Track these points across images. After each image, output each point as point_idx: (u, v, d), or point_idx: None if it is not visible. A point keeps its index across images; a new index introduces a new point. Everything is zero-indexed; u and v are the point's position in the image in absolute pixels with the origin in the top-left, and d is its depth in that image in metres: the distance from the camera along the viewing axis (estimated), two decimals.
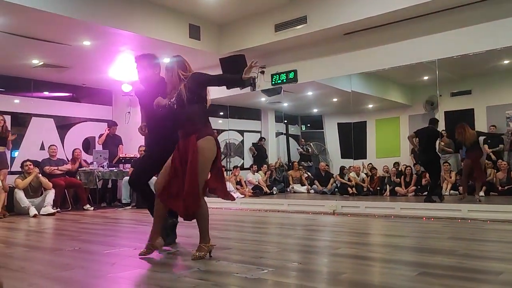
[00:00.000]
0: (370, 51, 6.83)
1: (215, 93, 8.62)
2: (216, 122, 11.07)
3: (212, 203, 8.12)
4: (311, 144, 11.61)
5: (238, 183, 9.37)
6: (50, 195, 7.29)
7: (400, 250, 3.54)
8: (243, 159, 11.13)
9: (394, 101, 9.83)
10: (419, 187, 8.37)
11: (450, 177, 8.18)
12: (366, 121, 10.42)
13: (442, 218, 5.56)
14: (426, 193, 7.22)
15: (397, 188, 8.68)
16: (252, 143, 11.26)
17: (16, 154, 8.46)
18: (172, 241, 3.79)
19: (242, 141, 11.21)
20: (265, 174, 10.15)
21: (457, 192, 7.85)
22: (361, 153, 10.09)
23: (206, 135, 3.13)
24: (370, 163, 9.78)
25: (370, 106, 10.53)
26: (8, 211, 6.95)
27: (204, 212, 3.22)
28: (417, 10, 6.01)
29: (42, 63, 7.79)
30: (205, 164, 3.11)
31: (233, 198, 3.52)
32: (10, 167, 7.98)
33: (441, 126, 8.53)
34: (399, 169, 9.06)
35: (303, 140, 11.75)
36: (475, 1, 5.80)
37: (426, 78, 8.55)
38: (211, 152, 3.13)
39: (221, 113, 10.82)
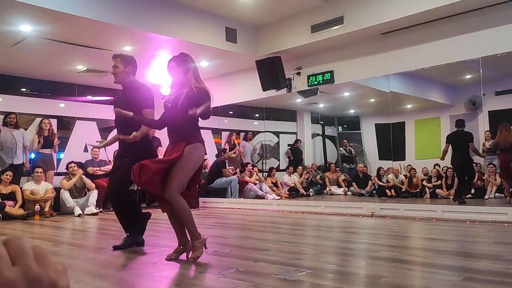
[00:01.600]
0: (409, 50, 6.68)
1: (251, 94, 8.72)
2: (252, 124, 11.14)
3: (248, 204, 8.21)
4: (353, 145, 11.44)
5: (274, 184, 9.39)
6: (93, 195, 7.57)
7: (442, 254, 3.44)
8: (278, 160, 11.13)
9: (434, 101, 9.55)
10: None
11: (495, 180, 7.86)
12: (404, 122, 10.17)
13: (488, 222, 5.35)
14: (469, 196, 7.00)
15: (438, 191, 8.43)
16: (288, 145, 11.24)
17: (61, 156, 8.83)
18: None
19: (278, 143, 11.21)
20: (300, 176, 10.11)
21: (502, 195, 7.54)
22: (399, 155, 9.85)
23: (196, 142, 3.24)
24: (409, 165, 9.54)
25: (409, 106, 10.28)
26: (54, 211, 7.26)
27: (185, 207, 3.21)
28: (458, 7, 5.82)
29: (86, 68, 8.10)
30: (191, 167, 3.22)
31: (193, 207, 3.65)
32: (56, 169, 8.35)
33: (486, 126, 8.22)
34: (441, 171, 8.80)
35: (345, 141, 11.54)
36: None
37: (468, 76, 8.26)
38: (199, 158, 3.27)
39: (257, 115, 10.87)
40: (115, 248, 3.70)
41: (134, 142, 3.62)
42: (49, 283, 0.43)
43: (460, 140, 6.90)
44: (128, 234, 3.83)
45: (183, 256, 3.30)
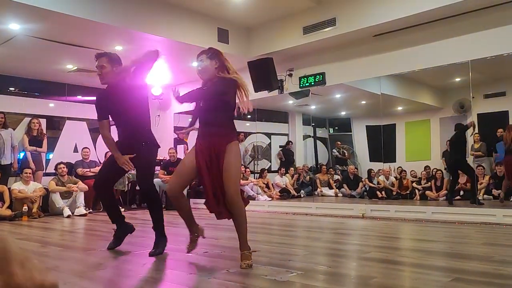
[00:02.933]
0: (400, 53, 6.72)
1: None
2: (244, 125, 11.12)
3: None
4: (346, 147, 11.48)
5: (266, 185, 9.38)
6: (81, 195, 7.49)
7: (432, 255, 3.46)
8: (270, 162, 11.13)
9: (424, 104, 9.64)
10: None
11: (483, 181, 7.93)
12: (395, 124, 10.24)
13: (476, 223, 5.40)
14: (458, 197, 7.06)
15: (427, 192, 8.49)
16: (280, 146, 11.24)
17: (50, 156, 8.74)
18: (116, 246, 3.76)
19: (270, 144, 11.22)
20: (292, 177, 10.12)
21: (491, 196, 7.61)
22: (390, 156, 9.92)
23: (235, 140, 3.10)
24: (400, 167, 9.60)
25: (400, 108, 10.36)
26: (42, 212, 7.18)
27: (244, 213, 3.03)
28: (449, 10, 5.88)
29: (76, 67, 8.03)
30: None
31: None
32: (45, 169, 8.26)
33: (474, 129, 8.31)
34: (431, 173, 8.86)
35: (339, 143, 11.58)
36: (509, 1, 5.62)
37: (458, 79, 8.34)
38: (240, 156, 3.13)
39: (249, 116, 10.85)
40: (151, 255, 3.44)
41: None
42: (35, 287, 0.41)
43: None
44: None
45: (176, 257, 3.28)
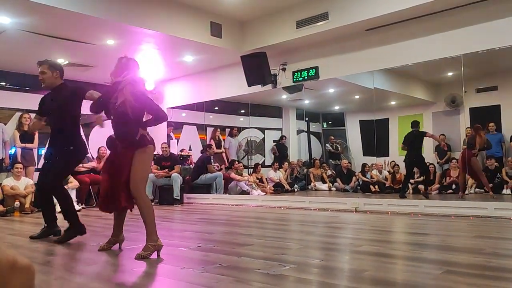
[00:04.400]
0: (393, 47, 6.73)
1: (236, 90, 8.69)
2: (237, 120, 11.12)
3: (233, 200, 8.20)
4: (339, 142, 11.51)
5: (260, 180, 9.38)
6: (73, 192, 7.43)
7: (424, 248, 3.48)
8: (264, 156, 11.14)
9: (417, 98, 9.67)
10: (441, 185, 8.23)
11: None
12: (388, 118, 10.28)
13: (467, 216, 5.44)
14: (450, 191, 7.13)
15: (420, 186, 8.54)
16: (273, 141, 11.25)
17: (42, 151, 8.67)
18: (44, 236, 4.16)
19: (263, 139, 11.22)
20: (285, 171, 10.14)
21: (482, 190, 7.68)
22: (383, 151, 9.96)
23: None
24: (393, 161, 9.65)
25: (393, 103, 10.39)
26: (35, 207, 7.13)
27: (150, 205, 3.34)
28: (441, 4, 5.89)
29: (67, 62, 7.96)
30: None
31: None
32: (37, 164, 8.19)
33: (466, 123, 8.36)
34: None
35: (332, 137, 11.60)
36: None
37: (450, 74, 8.37)
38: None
39: (242, 111, 10.85)
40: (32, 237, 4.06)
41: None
42: (8, 262, 0.41)
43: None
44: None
45: (168, 251, 3.27)
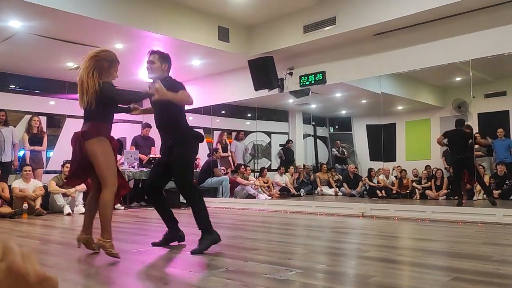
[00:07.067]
0: (401, 52, 6.71)
1: (243, 94, 8.71)
2: (244, 124, 11.13)
3: (239, 204, 8.20)
4: (346, 146, 11.47)
5: (266, 184, 9.38)
6: (80, 195, 7.48)
7: (431, 254, 3.46)
8: (270, 160, 11.14)
9: (425, 103, 9.63)
10: (450, 190, 8.16)
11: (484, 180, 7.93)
12: (395, 123, 10.24)
13: (476, 223, 5.40)
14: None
15: (427, 192, 8.50)
16: (280, 145, 11.24)
17: (51, 154, 8.74)
18: (160, 245, 3.98)
19: (270, 143, 11.22)
20: (292, 176, 10.13)
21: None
22: (390, 156, 9.92)
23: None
24: (400, 166, 9.61)
25: (400, 107, 10.36)
26: (43, 209, 7.18)
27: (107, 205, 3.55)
28: (449, 9, 5.87)
29: (76, 65, 8.02)
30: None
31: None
32: (46, 167, 8.26)
33: (475, 129, 8.31)
34: (431, 172, 8.87)
35: (338, 142, 11.57)
36: (510, 0, 5.61)
37: (458, 79, 8.33)
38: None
39: (249, 115, 10.87)
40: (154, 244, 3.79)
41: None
42: (37, 278, 0.41)
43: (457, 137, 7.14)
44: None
45: (175, 255, 3.28)
